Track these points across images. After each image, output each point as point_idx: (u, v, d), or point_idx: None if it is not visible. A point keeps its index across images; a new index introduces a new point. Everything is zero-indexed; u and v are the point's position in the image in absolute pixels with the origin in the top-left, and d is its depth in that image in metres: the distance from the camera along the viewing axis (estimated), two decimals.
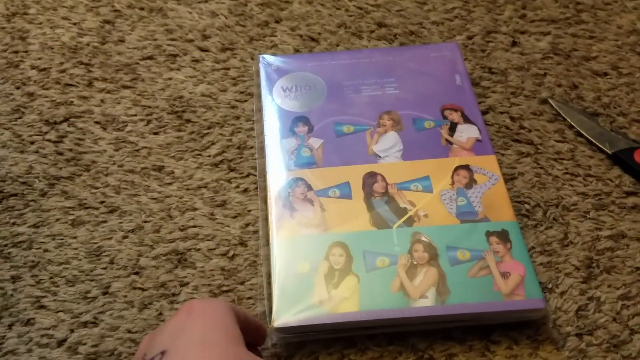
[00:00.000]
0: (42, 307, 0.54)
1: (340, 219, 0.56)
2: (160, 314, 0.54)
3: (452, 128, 0.61)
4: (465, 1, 0.76)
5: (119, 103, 0.67)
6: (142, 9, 0.75)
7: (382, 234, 0.55)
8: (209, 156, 0.63)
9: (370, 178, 0.58)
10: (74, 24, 0.74)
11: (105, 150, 0.63)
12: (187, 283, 0.55)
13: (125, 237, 0.58)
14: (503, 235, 0.54)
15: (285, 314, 0.51)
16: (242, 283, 0.55)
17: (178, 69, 0.70)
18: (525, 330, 0.52)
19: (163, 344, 0.41)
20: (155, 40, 0.72)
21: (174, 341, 0.41)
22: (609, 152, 0.62)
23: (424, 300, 0.51)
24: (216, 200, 0.60)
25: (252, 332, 0.47)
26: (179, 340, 0.41)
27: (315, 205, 0.57)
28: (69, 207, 0.60)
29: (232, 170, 0.62)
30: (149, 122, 0.65)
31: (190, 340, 0.41)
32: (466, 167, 0.59)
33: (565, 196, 0.60)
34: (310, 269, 0.53)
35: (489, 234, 0.54)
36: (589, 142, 0.63)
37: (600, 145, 0.62)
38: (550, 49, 0.71)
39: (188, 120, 0.66)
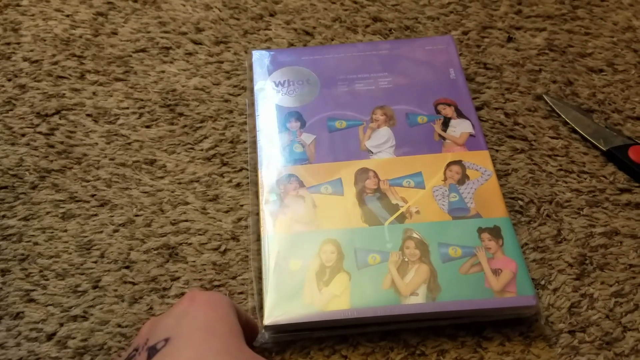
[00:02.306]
0: (31, 300, 0.54)
1: (331, 215, 0.55)
2: (151, 308, 0.54)
3: (446, 123, 0.61)
4: None
5: (111, 96, 0.67)
6: (135, 1, 0.74)
7: (374, 230, 0.54)
8: (202, 150, 0.63)
9: (363, 174, 0.58)
10: (67, 15, 0.73)
11: (96, 143, 0.63)
12: (178, 277, 0.55)
13: (116, 230, 0.58)
14: (495, 232, 0.54)
15: (276, 312, 0.50)
16: (233, 278, 0.55)
17: (171, 62, 0.69)
18: (518, 327, 0.52)
19: (167, 331, 0.40)
20: (149, 32, 0.72)
21: (177, 328, 0.40)
22: (604, 148, 0.62)
23: (414, 297, 0.51)
24: (208, 195, 0.60)
25: (246, 330, 0.47)
26: (182, 327, 0.40)
27: (307, 201, 0.56)
28: (59, 200, 0.59)
29: (224, 164, 0.62)
30: (141, 115, 0.65)
31: (193, 327, 0.40)
32: (459, 163, 0.58)
33: (559, 193, 0.60)
34: (301, 266, 0.53)
35: (480, 230, 0.54)
36: (583, 139, 0.63)
37: (594, 142, 0.62)
38: (545, 45, 0.70)
39: (181, 114, 0.65)
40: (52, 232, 0.58)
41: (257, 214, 0.57)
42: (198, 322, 0.41)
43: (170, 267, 0.56)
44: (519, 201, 0.59)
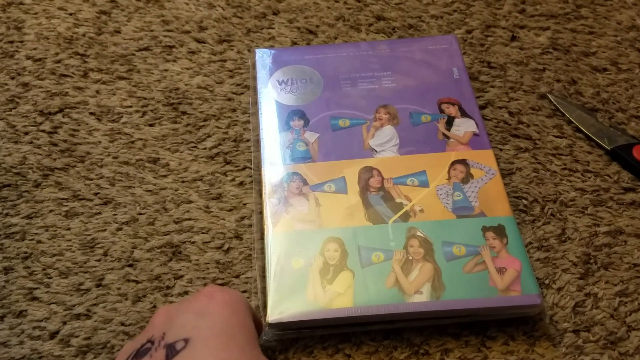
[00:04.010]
0: (34, 298, 0.54)
1: (335, 214, 0.55)
2: (154, 306, 0.54)
3: (449, 122, 0.61)
4: None
5: (115, 94, 0.66)
6: None
7: (378, 229, 0.54)
8: (205, 149, 0.63)
9: (366, 173, 0.58)
10: (70, 14, 0.73)
11: (100, 142, 0.63)
12: (182, 276, 0.55)
13: (119, 229, 0.58)
14: (499, 231, 0.54)
15: (279, 309, 0.50)
16: (237, 276, 0.55)
17: (174, 61, 0.69)
18: (522, 326, 0.52)
19: (186, 330, 0.40)
20: (152, 31, 0.72)
21: (197, 329, 0.40)
22: (608, 147, 0.61)
23: (418, 295, 0.50)
24: (211, 193, 0.60)
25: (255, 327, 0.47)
26: (202, 330, 0.40)
27: (310, 200, 0.56)
28: (62, 199, 0.59)
29: (227, 163, 0.62)
30: (144, 113, 0.65)
31: (214, 331, 0.40)
32: (463, 162, 0.58)
33: (563, 192, 0.59)
34: (304, 264, 0.52)
35: (485, 229, 0.54)
36: (587, 138, 0.63)
37: (598, 141, 0.62)
38: (549, 44, 0.70)
39: (184, 112, 0.65)
40: (55, 231, 0.58)
41: (261, 212, 0.57)
42: (218, 326, 0.40)
43: (173, 265, 0.56)
44: (523, 200, 0.59)
